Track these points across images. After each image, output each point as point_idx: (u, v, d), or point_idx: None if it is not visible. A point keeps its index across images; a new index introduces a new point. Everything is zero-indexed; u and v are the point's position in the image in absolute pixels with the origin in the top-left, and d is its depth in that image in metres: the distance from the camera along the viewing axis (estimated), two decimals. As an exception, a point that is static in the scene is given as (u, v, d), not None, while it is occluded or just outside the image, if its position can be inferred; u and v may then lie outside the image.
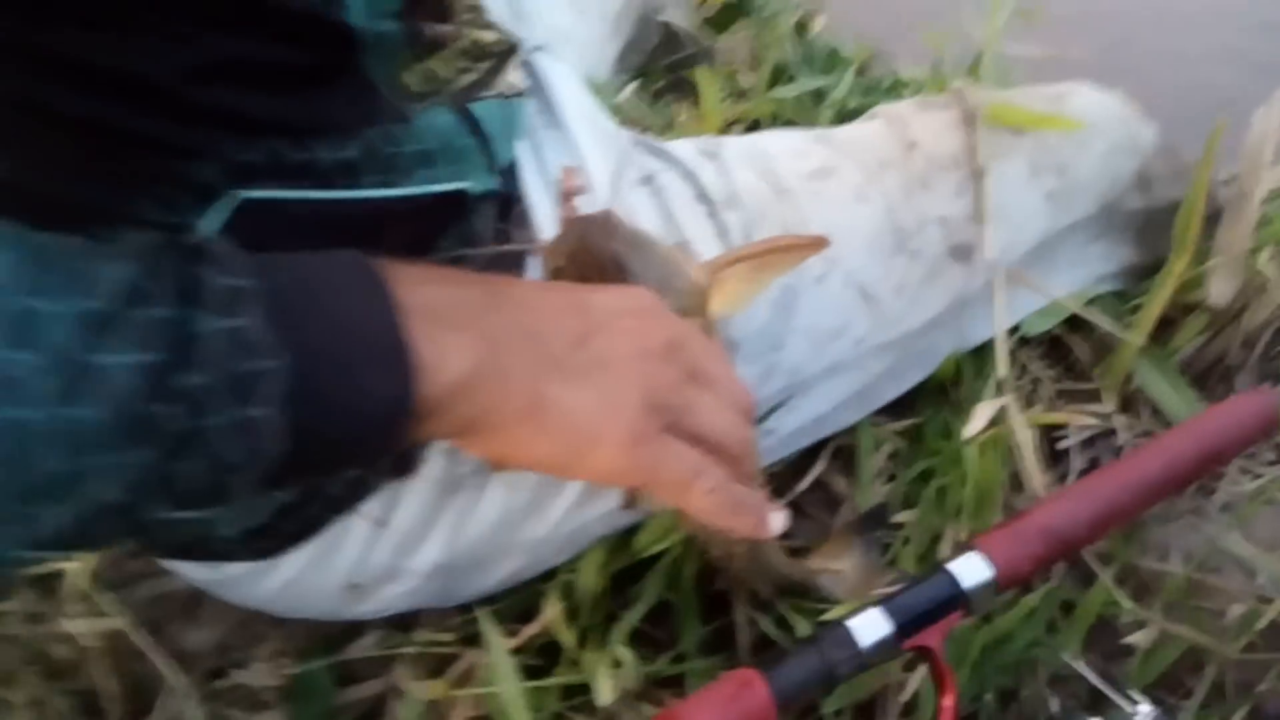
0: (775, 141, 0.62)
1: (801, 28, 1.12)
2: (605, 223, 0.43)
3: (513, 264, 0.52)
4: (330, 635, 0.59)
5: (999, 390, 0.61)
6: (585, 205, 0.46)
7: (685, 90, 1.01)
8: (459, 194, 0.48)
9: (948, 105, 0.64)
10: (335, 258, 0.34)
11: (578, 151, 0.56)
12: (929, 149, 0.62)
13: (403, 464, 0.51)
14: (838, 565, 0.62)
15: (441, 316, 0.35)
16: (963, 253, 0.63)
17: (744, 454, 0.42)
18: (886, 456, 0.69)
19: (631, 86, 0.95)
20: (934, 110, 0.65)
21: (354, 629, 0.59)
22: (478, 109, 0.49)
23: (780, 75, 1.04)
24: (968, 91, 0.63)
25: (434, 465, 0.52)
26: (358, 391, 0.32)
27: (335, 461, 0.34)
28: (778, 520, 0.44)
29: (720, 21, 1.16)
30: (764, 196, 0.58)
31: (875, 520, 0.66)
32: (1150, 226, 0.72)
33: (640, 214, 0.56)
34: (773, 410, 0.61)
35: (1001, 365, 0.62)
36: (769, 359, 0.59)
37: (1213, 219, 0.72)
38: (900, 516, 0.65)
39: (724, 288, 0.47)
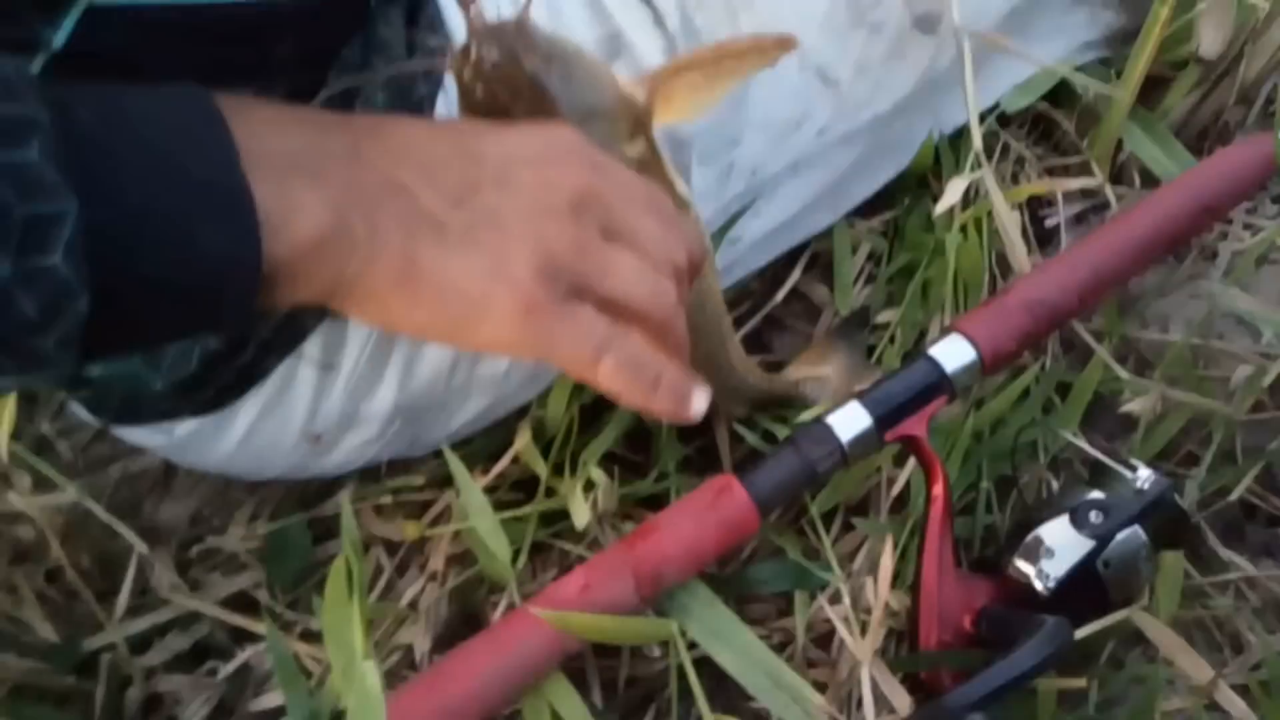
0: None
1: None
2: (518, 32, 0.37)
3: (428, 82, 0.47)
4: (305, 495, 0.57)
5: (976, 165, 0.57)
6: (493, 8, 0.41)
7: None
8: None
9: None
10: (168, 91, 0.30)
11: None
12: None
13: None
14: (820, 371, 0.60)
15: (296, 164, 0.31)
16: (928, 23, 0.58)
17: (668, 322, 0.37)
18: (865, 257, 0.66)
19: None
20: None
21: (328, 488, 0.58)
22: None
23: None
24: None
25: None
26: (185, 246, 0.28)
27: (171, 326, 0.31)
28: (700, 400, 0.39)
29: None
30: None
31: (858, 323, 0.64)
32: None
33: (566, 7, 0.51)
34: (737, 216, 0.58)
35: (976, 137, 0.57)
36: (725, 157, 0.55)
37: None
38: (883, 316, 0.62)
39: (670, 101, 0.42)
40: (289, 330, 0.46)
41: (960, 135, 0.66)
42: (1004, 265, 0.62)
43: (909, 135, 0.65)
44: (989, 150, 0.69)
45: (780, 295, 0.65)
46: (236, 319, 0.31)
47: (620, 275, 0.36)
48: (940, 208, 0.54)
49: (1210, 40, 0.65)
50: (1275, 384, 0.60)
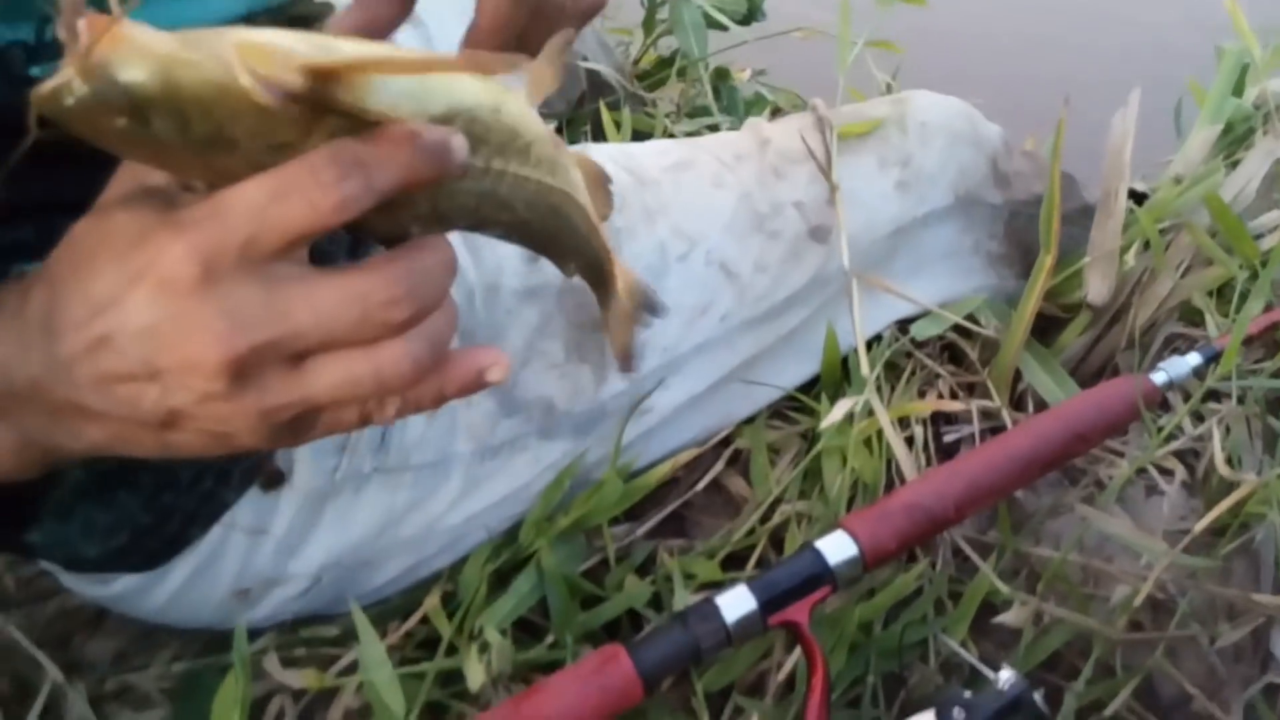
0: (641, 145, 0.66)
1: (724, 75, 1.17)
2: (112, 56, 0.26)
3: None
4: (225, 639, 0.60)
5: (864, 386, 0.64)
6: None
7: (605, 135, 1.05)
8: None
9: (803, 116, 0.69)
10: None
11: None
12: (781, 145, 0.67)
13: (270, 477, 0.53)
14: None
15: None
16: (821, 233, 0.67)
17: (399, 377, 0.31)
18: (777, 453, 0.71)
19: (550, 126, 0.99)
20: (790, 119, 0.69)
21: (250, 633, 0.61)
22: None
23: (700, 116, 1.09)
24: (819, 104, 0.68)
25: (304, 472, 0.54)
26: None
27: None
28: (497, 370, 0.33)
29: (654, 77, 1.21)
30: (626, 184, 0.62)
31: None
32: (1025, 223, 0.76)
33: None
34: (650, 392, 0.64)
35: (863, 363, 0.65)
36: (640, 337, 0.62)
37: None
38: (786, 508, 0.67)
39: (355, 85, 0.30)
40: (211, 504, 0.51)
41: (871, 345, 0.73)
42: (901, 472, 0.68)
43: (810, 327, 0.71)
44: (901, 366, 0.76)
45: (700, 485, 0.70)
46: None
47: (333, 392, 0.30)
48: (824, 424, 0.60)
49: (1096, 289, 0.74)
50: (1157, 605, 0.64)
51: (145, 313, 0.28)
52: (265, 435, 0.31)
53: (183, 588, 0.54)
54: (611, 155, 0.64)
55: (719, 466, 0.71)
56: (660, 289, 0.62)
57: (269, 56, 0.28)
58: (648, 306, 0.51)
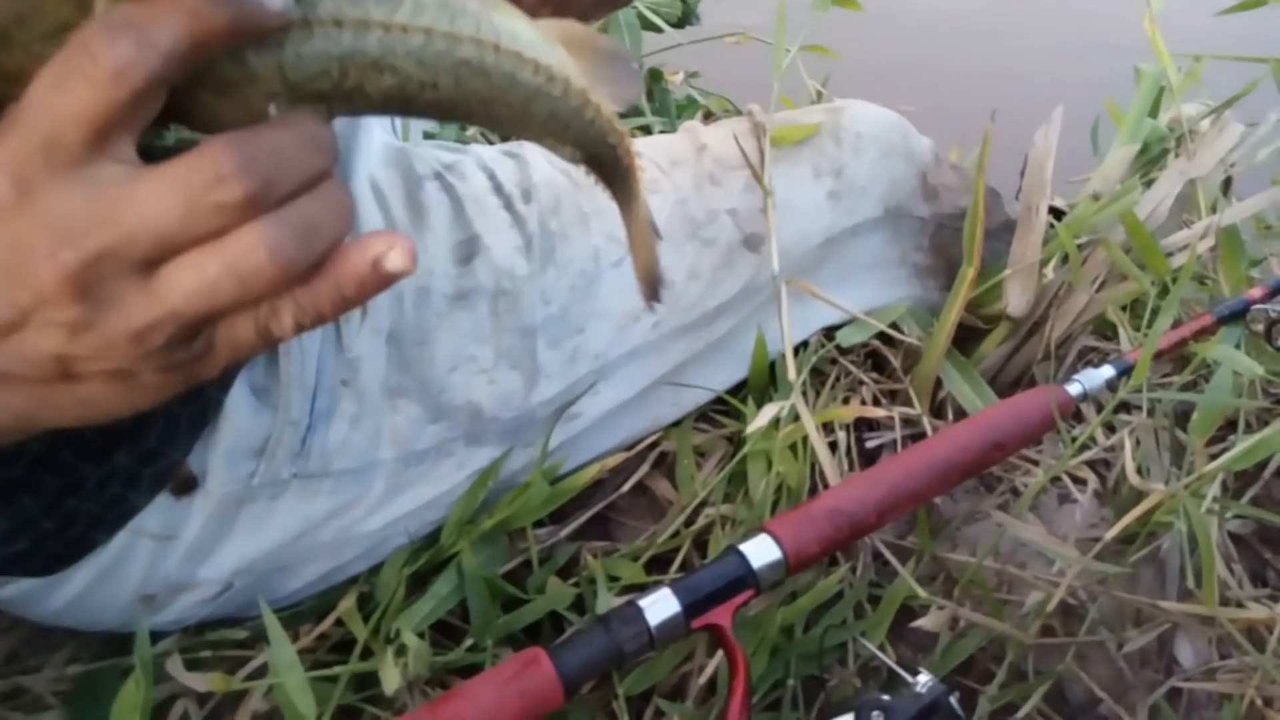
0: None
1: (657, 77, 1.17)
2: None
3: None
4: (125, 640, 0.58)
5: (790, 391, 0.64)
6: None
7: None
8: None
9: (739, 121, 0.69)
10: None
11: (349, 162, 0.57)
12: (718, 151, 0.66)
13: (182, 483, 0.51)
14: None
15: None
16: (754, 242, 0.67)
17: (257, 270, 0.27)
18: (702, 456, 0.71)
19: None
20: (726, 123, 0.69)
21: (153, 636, 0.58)
22: None
23: (633, 117, 1.09)
24: (755, 109, 0.68)
25: (218, 477, 0.52)
26: None
27: None
28: (397, 255, 0.29)
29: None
30: (562, 186, 0.61)
31: None
32: (950, 236, 0.77)
33: (431, 208, 0.58)
34: (579, 396, 0.63)
35: (790, 368, 0.65)
36: (572, 343, 0.61)
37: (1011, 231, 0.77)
38: (711, 510, 0.67)
39: None
40: (117, 508, 0.49)
41: (798, 351, 0.73)
42: (825, 477, 0.68)
43: (739, 332, 0.71)
44: (826, 372, 0.77)
45: (626, 487, 0.69)
46: None
47: (194, 299, 0.27)
48: (750, 429, 0.60)
49: (1016, 302, 0.75)
50: (1068, 610, 0.66)
51: None
52: (159, 368, 0.28)
53: (84, 592, 0.51)
54: (547, 156, 0.63)
55: (644, 469, 0.71)
56: (593, 295, 0.61)
57: None
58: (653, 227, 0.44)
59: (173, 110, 0.28)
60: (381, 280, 0.29)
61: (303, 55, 0.28)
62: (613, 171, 0.38)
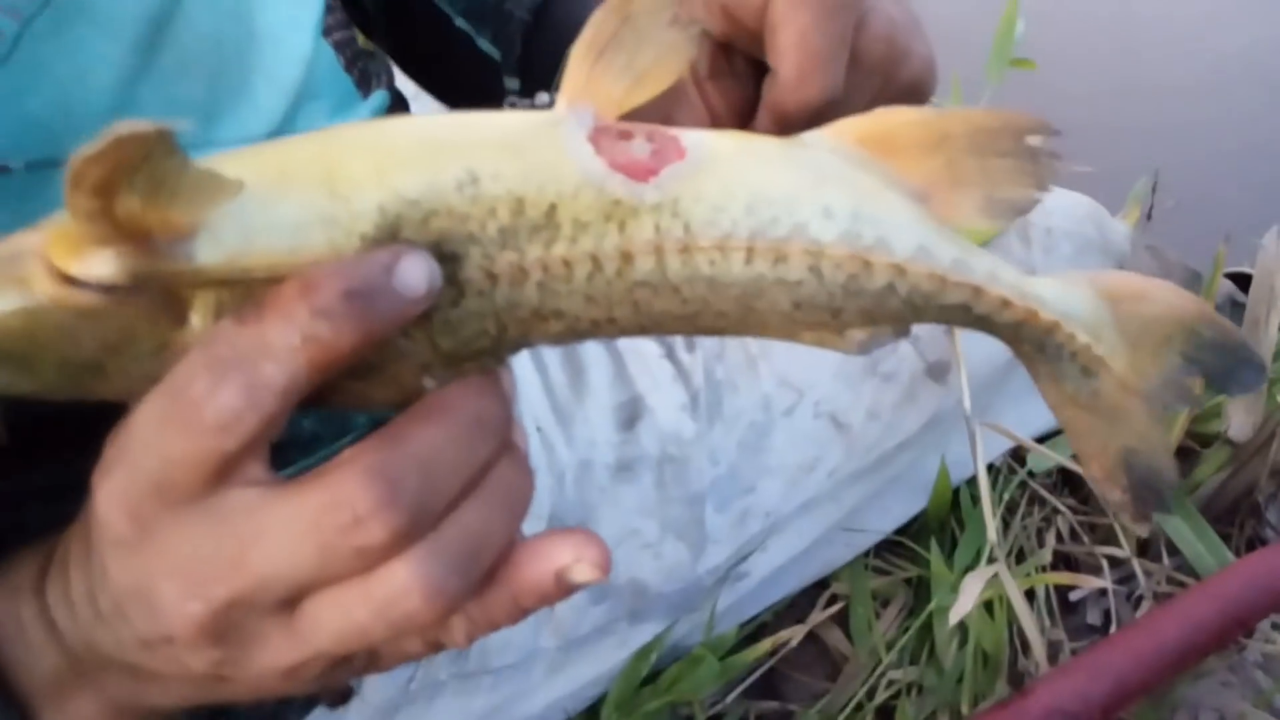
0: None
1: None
2: None
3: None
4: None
5: (991, 556, 0.57)
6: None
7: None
8: None
9: None
10: None
11: None
12: None
13: (337, 695, 0.48)
14: None
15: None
16: (938, 371, 0.60)
17: (409, 617, 0.23)
18: (883, 604, 0.65)
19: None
20: None
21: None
22: None
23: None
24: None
25: (375, 685, 0.48)
26: None
27: None
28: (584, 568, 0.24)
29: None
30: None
31: None
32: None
33: (590, 366, 0.53)
34: (747, 556, 0.57)
35: (990, 528, 0.57)
36: (741, 503, 0.56)
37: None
38: (896, 673, 0.60)
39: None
40: None
41: (974, 481, 0.66)
42: (1024, 638, 0.61)
43: (918, 466, 0.65)
44: (1017, 499, 0.69)
45: (795, 641, 0.63)
46: None
47: (342, 642, 0.23)
48: (954, 615, 0.53)
49: (1240, 424, 0.66)
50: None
51: (114, 579, 0.23)
52: (314, 683, 0.25)
53: None
54: None
55: (816, 617, 0.65)
56: (763, 449, 0.55)
57: (79, 242, 0.20)
58: None
59: (312, 398, 0.23)
60: (566, 592, 0.24)
61: (453, 321, 0.23)
62: (1012, 333, 0.27)
